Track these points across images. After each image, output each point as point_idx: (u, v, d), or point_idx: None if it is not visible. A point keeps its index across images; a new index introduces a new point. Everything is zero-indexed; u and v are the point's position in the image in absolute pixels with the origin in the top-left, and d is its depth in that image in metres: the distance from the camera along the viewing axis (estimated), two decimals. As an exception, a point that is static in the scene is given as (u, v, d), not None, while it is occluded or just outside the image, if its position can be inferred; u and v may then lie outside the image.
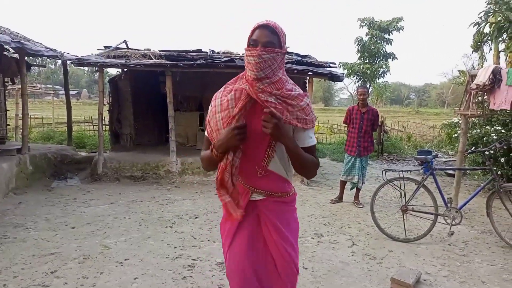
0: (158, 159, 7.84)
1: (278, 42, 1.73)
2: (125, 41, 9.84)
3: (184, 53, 8.80)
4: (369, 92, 6.13)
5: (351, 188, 6.36)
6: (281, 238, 1.84)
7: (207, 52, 9.03)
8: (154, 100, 9.74)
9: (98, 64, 7.57)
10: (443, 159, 12.07)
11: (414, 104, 69.96)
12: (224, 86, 1.85)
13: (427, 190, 4.64)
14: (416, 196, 4.77)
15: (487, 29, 12.99)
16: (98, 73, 7.91)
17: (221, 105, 1.76)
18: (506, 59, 11.48)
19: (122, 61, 7.78)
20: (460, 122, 8.06)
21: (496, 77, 5.12)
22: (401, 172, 4.72)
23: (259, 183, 1.82)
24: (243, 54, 8.80)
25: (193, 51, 9.21)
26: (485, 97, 5.73)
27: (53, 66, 57.38)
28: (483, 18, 5.89)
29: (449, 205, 4.63)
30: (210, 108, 1.83)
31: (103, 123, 8.17)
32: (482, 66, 14.36)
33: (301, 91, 1.81)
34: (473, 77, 5.74)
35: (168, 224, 5.02)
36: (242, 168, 1.78)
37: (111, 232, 4.65)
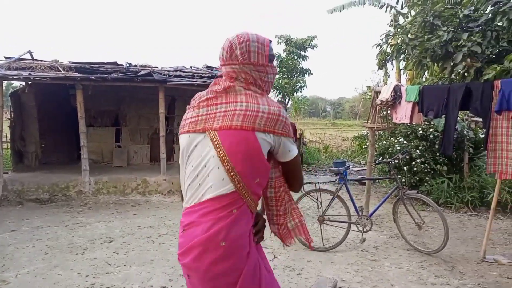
0: (69, 179, 7.25)
1: None
2: (29, 52, 9.03)
3: (97, 66, 8.35)
4: (287, 107, 6.33)
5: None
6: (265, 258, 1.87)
7: (123, 65, 8.66)
8: (63, 115, 9.06)
9: (-4, 76, 6.83)
10: (356, 168, 12.93)
11: (330, 116, 74.40)
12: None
13: (341, 200, 4.89)
14: (332, 205, 5.00)
15: (389, 49, 14.39)
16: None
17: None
18: (406, 76, 12.78)
19: (26, 73, 7.14)
20: (368, 134, 8.75)
21: (397, 94, 5.62)
22: (317, 184, 4.93)
23: None
24: (162, 68, 8.56)
25: (108, 63, 8.78)
26: (388, 112, 6.27)
27: None
28: (383, 40, 6.45)
29: (360, 213, 4.94)
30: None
31: (3, 140, 7.36)
32: (386, 82, 15.85)
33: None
34: (377, 93, 6.25)
35: (78, 250, 4.63)
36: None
37: (11, 264, 4.15)
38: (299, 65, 15.47)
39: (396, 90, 5.66)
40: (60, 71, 7.65)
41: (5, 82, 8.13)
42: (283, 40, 15.45)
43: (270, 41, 1.63)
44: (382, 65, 14.77)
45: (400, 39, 5.78)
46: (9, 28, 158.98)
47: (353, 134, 21.23)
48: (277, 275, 4.01)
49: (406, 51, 5.64)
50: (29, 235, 5.15)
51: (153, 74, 7.56)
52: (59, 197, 6.99)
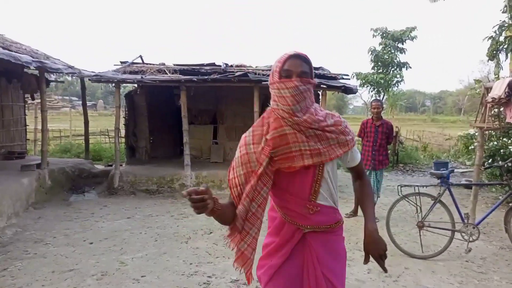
0: (173, 172, 7.93)
1: (310, 72, 1.67)
2: (140, 56, 10.05)
3: (198, 68, 8.94)
4: (383, 104, 6.10)
5: (366, 202, 6.31)
6: (328, 269, 1.74)
7: (220, 66, 9.15)
8: (168, 114, 9.89)
9: (115, 81, 7.75)
10: (461, 170, 11.89)
11: (429, 111, 69.15)
12: (252, 130, 1.73)
13: (444, 205, 4.58)
14: (433, 211, 4.72)
15: (502, 38, 12.85)
16: (115, 88, 8.08)
17: (255, 153, 1.67)
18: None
19: (138, 77, 7.95)
20: (476, 134, 7.99)
21: (512, 90, 5.06)
22: (416, 187, 4.68)
23: (311, 220, 1.73)
24: (256, 67, 8.86)
25: (207, 64, 9.35)
26: (501, 110, 5.66)
27: (69, 78, 58.60)
28: (497, 32, 5.81)
29: (466, 220, 4.57)
30: (238, 155, 1.71)
31: (119, 136, 8.34)
32: (498, 75, 14.22)
33: (332, 113, 1.76)
34: (488, 89, 5.68)
35: (183, 239, 5.07)
36: (291, 208, 1.72)
37: (128, 247, 4.72)
38: (396, 59, 14.65)
39: (511, 86, 5.09)
40: (166, 73, 8.37)
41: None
42: (378, 33, 14.76)
43: (289, 57, 1.64)
44: (493, 56, 13.33)
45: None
46: (123, 33, 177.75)
47: (457, 132, 19.48)
48: (371, 280, 3.95)
49: (525, 42, 5.03)
50: (142, 222, 5.78)
51: (248, 74, 7.86)
52: (165, 189, 7.71)
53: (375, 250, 1.76)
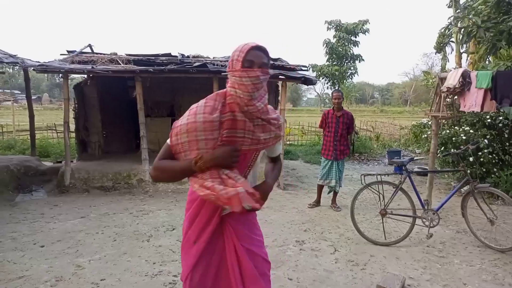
0: (130, 167, 7.56)
1: (268, 64, 1.82)
2: (89, 45, 9.46)
3: (153, 58, 8.57)
4: (343, 96, 6.15)
5: (329, 192, 6.38)
6: (248, 242, 1.92)
7: (177, 56, 8.83)
8: (122, 106, 9.42)
9: (62, 71, 7.21)
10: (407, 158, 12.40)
11: (378, 103, 71.98)
12: (204, 101, 1.79)
13: (405, 193, 4.69)
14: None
15: (448, 32, 13.51)
16: (62, 80, 7.52)
17: (204, 123, 1.72)
18: (467, 60, 11.98)
19: (89, 67, 7.46)
20: (429, 123, 8.33)
21: (466, 80, 5.26)
22: (379, 176, 4.75)
23: None
24: (214, 58, 8.62)
25: (162, 55, 8.99)
26: (455, 99, 5.90)
27: (10, 70, 54.62)
28: (453, 23, 6.03)
29: (426, 207, 4.71)
30: (184, 122, 1.75)
31: (69, 130, 7.80)
32: (445, 67, 14.92)
33: (272, 108, 1.91)
34: (442, 79, 5.89)
35: (144, 237, 4.81)
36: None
37: (84, 249, 4.40)
38: (349, 51, 14.96)
39: (465, 76, 5.31)
40: (119, 63, 7.92)
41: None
42: (333, 26, 14.97)
43: (252, 48, 1.74)
44: (440, 48, 14.06)
45: (470, 21, 5.36)
46: (69, 22, 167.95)
47: (405, 121, 20.38)
48: (339, 270, 3.95)
49: (478, 34, 5.24)
50: (97, 221, 5.43)
51: (207, 65, 7.63)
52: (122, 185, 7.33)
53: (262, 193, 1.78)
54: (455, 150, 5.32)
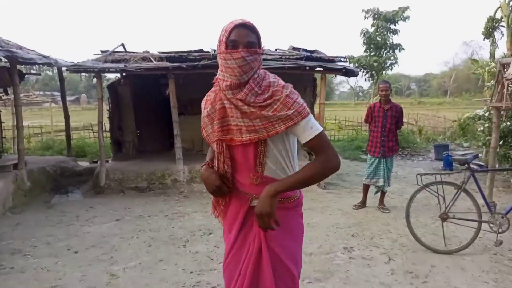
0: (164, 167, 7.35)
1: (257, 41, 1.62)
2: (122, 44, 9.33)
3: (185, 54, 8.30)
4: (391, 88, 5.62)
5: (376, 192, 5.88)
6: (278, 245, 1.72)
7: (209, 52, 8.53)
8: (156, 105, 9.25)
9: (95, 70, 7.09)
10: (460, 152, 11.55)
11: (415, 94, 69.39)
12: (207, 94, 1.81)
13: (469, 194, 4.15)
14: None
15: (498, 15, 12.52)
16: (96, 79, 7.42)
17: (207, 117, 1.75)
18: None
19: (121, 65, 7.30)
20: (485, 114, 7.61)
21: (535, 65, 4.63)
22: (438, 176, 4.24)
23: (257, 190, 1.71)
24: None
25: (195, 51, 8.70)
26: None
27: (50, 73, 56.91)
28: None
29: (493, 210, 4.15)
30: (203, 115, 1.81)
31: (104, 130, 7.72)
32: (493, 53, 13.87)
33: (278, 82, 1.67)
34: (505, 66, 5.26)
35: (180, 243, 4.54)
36: (237, 176, 1.77)
37: (118, 256, 4.17)
38: (388, 40, 14.22)
39: (535, 61, 4.66)
40: (151, 61, 7.73)
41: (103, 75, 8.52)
42: (370, 15, 14.30)
43: (235, 26, 1.59)
44: (489, 34, 13.06)
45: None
46: (102, 23, 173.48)
47: (446, 113, 19.20)
48: (397, 283, 3.50)
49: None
50: (132, 225, 5.23)
51: (242, 58, 7.28)
52: (156, 186, 7.13)
53: (257, 208, 1.63)
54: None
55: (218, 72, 1.65)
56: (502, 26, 12.52)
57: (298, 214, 1.85)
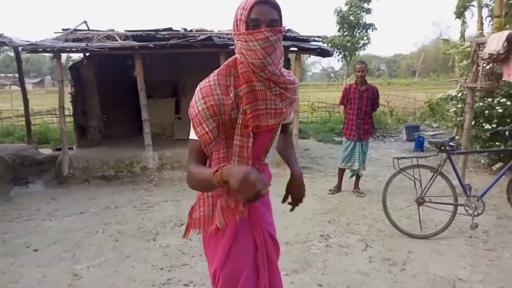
0: (132, 154, 6.99)
1: (280, 19, 1.47)
2: (85, 22, 8.76)
3: (153, 33, 7.86)
4: (367, 68, 5.47)
5: (351, 176, 5.78)
6: (266, 222, 1.75)
7: (179, 31, 8.10)
8: (122, 87, 8.80)
9: (55, 50, 6.57)
10: (429, 133, 11.73)
11: (385, 75, 70.34)
12: (216, 78, 1.51)
13: (445, 177, 4.09)
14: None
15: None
16: (56, 60, 6.89)
17: (224, 105, 1.50)
18: (490, 25, 11.09)
19: (83, 44, 6.80)
20: (459, 95, 7.62)
21: (511, 45, 4.57)
22: (414, 159, 4.15)
23: None
24: (219, 31, 7.88)
25: (163, 30, 8.26)
26: (495, 67, 5.19)
27: (12, 54, 53.83)
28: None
29: (469, 193, 4.11)
30: (198, 105, 1.48)
31: (67, 115, 7.25)
32: (463, 33, 13.97)
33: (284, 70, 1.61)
34: (480, 45, 5.19)
35: (150, 236, 4.29)
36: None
37: (82, 253, 3.88)
38: (362, 20, 14.09)
39: (511, 41, 4.60)
40: (117, 40, 7.26)
41: (64, 56, 7.96)
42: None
43: (256, 3, 1.41)
44: (460, 13, 13.14)
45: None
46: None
47: (415, 93, 19.47)
48: (376, 271, 3.41)
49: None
50: (98, 218, 4.91)
51: (213, 38, 6.93)
52: (124, 174, 6.77)
53: (299, 194, 1.77)
54: (506, 127, 4.58)
55: (238, 55, 1.49)
56: (473, 5, 12.61)
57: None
